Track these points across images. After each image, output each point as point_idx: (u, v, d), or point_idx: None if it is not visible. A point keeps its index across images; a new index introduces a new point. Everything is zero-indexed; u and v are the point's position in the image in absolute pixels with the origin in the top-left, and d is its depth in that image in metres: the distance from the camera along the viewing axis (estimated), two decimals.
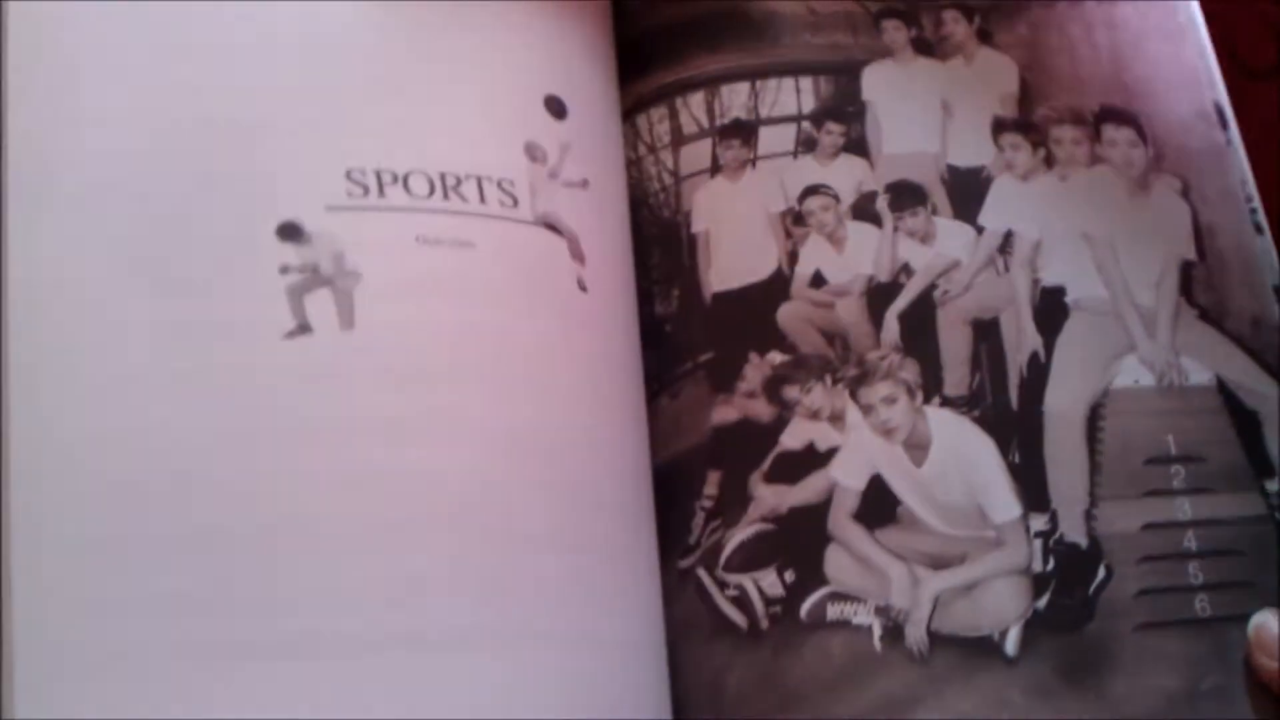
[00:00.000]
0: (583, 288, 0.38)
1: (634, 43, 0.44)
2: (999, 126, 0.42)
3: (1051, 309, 0.39)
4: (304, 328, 0.33)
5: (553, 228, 0.38)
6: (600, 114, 0.42)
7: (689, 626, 0.37)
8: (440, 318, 0.35)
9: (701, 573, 0.38)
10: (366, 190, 0.35)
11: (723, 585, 0.38)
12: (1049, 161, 0.41)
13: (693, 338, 0.41)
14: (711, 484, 0.39)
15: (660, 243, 0.43)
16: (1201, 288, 0.39)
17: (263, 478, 0.32)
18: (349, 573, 0.32)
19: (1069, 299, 0.39)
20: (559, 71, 0.40)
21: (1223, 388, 0.38)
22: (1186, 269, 0.39)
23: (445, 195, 0.36)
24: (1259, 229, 0.41)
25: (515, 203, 0.37)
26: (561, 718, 0.33)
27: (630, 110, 0.44)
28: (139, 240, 0.33)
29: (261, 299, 0.33)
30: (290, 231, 0.34)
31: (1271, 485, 0.37)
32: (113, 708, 0.29)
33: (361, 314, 0.34)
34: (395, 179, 0.36)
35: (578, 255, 0.39)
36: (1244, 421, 0.37)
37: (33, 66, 0.34)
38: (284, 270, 0.34)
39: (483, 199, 0.37)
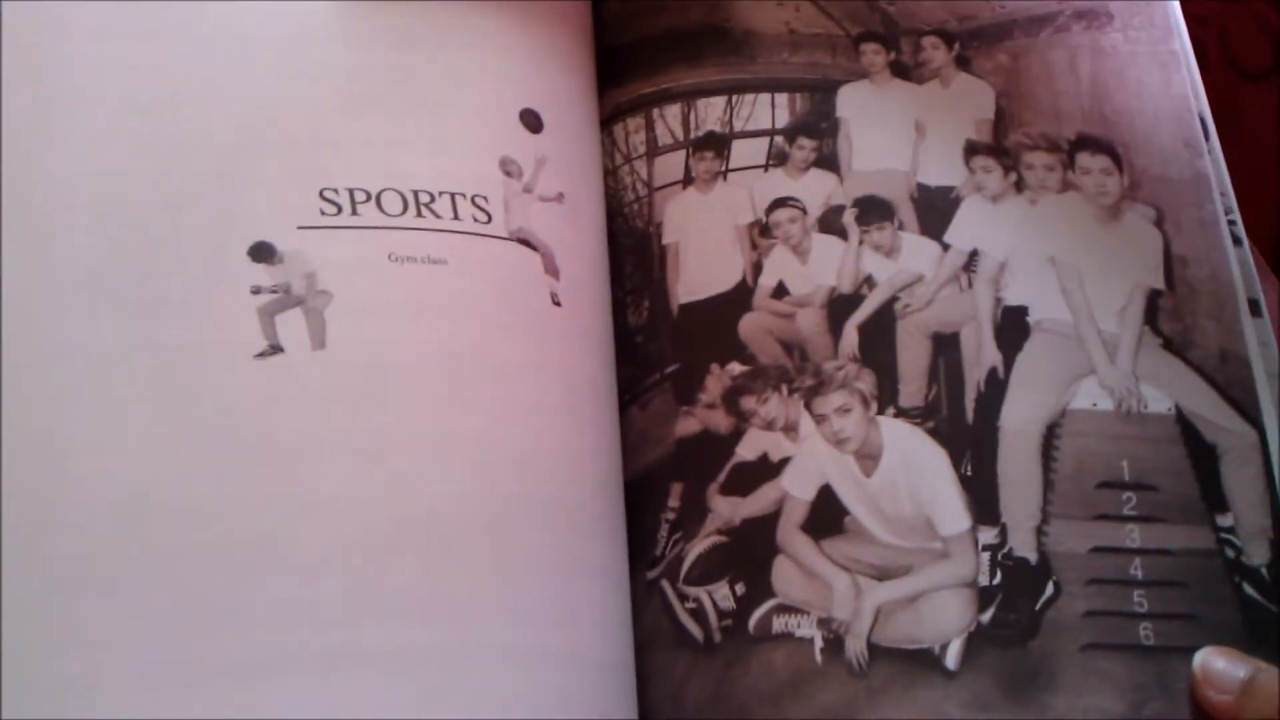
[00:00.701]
0: (557, 302, 0.38)
1: (614, 52, 0.45)
2: (971, 150, 0.42)
3: (1013, 327, 0.39)
4: (275, 348, 0.33)
5: (527, 243, 0.38)
6: (578, 125, 0.42)
7: (654, 638, 0.37)
8: (412, 336, 0.35)
9: (665, 585, 0.37)
10: (339, 209, 0.35)
11: (683, 598, 0.37)
12: (1019, 186, 0.41)
13: (661, 349, 0.41)
14: (675, 496, 0.39)
15: (633, 253, 0.43)
16: (1168, 317, 0.39)
17: (232, 498, 0.32)
18: (318, 591, 0.31)
19: (1031, 319, 0.39)
20: (536, 85, 0.41)
21: (1181, 418, 0.37)
22: (1153, 298, 0.39)
23: (419, 213, 0.36)
24: (1237, 241, 0.40)
25: (489, 219, 0.37)
26: None
27: (608, 119, 0.44)
28: (110, 260, 0.33)
29: (233, 320, 0.33)
30: (262, 252, 0.34)
31: (1224, 520, 0.36)
32: None
33: (333, 334, 0.34)
34: (368, 197, 0.36)
35: (552, 270, 0.38)
36: (1200, 454, 0.37)
37: (5, 88, 0.34)
38: (256, 291, 0.34)
39: (456, 215, 0.37)
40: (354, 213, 0.35)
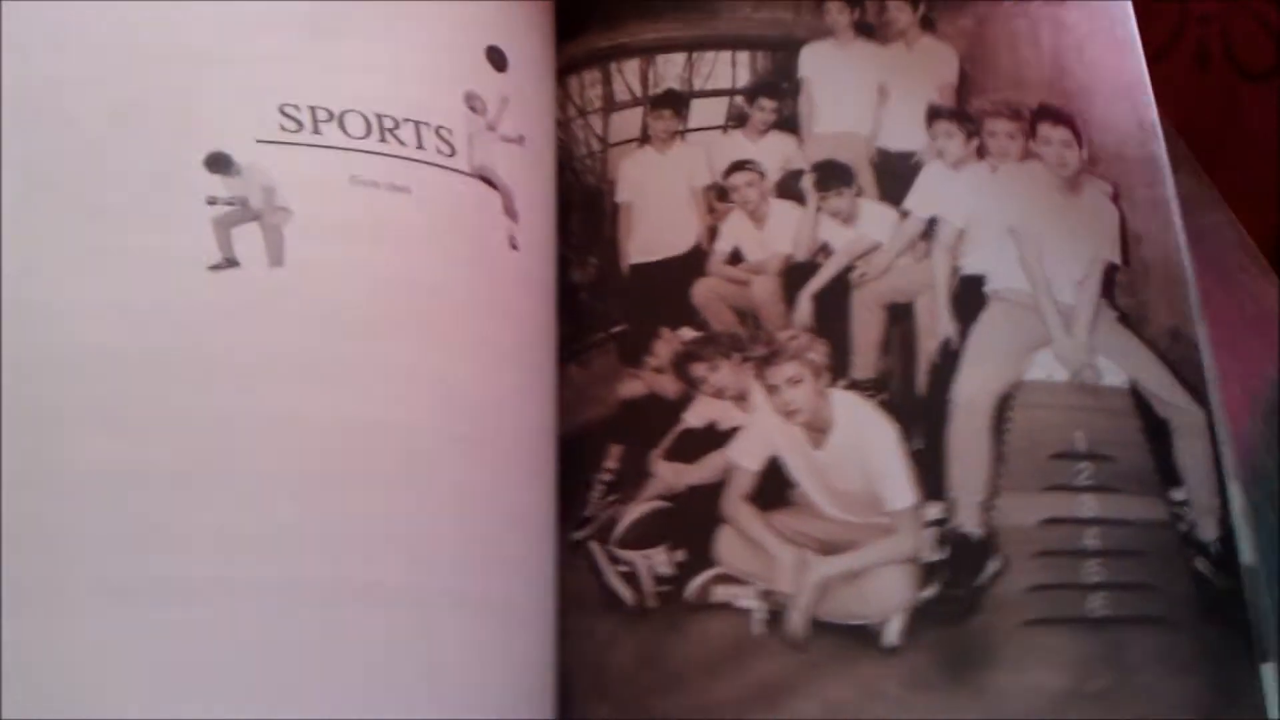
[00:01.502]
0: (514, 245, 0.37)
1: (572, 3, 0.44)
2: (934, 114, 0.41)
3: (969, 297, 0.38)
4: (230, 261, 0.32)
5: (488, 181, 0.37)
6: (539, 71, 0.41)
7: (577, 600, 0.36)
8: (370, 261, 0.34)
9: (594, 546, 0.37)
10: (300, 125, 0.34)
11: (614, 560, 0.37)
12: (981, 152, 0.40)
13: (607, 308, 0.40)
14: (613, 458, 0.38)
15: (581, 209, 0.42)
16: (1123, 292, 0.38)
17: (181, 413, 0.31)
18: (260, 516, 0.31)
19: (988, 288, 0.38)
20: (501, 23, 0.40)
21: (1135, 392, 0.37)
22: (1110, 272, 0.39)
23: (382, 137, 0.35)
24: None
25: (452, 151, 0.36)
26: (449, 677, 0.32)
27: (563, 71, 0.43)
28: (55, 165, 0.32)
29: (186, 230, 0.32)
30: (219, 162, 0.33)
31: (1177, 495, 0.36)
32: (23, 644, 0.29)
33: (291, 251, 0.33)
34: (330, 116, 0.35)
35: (511, 211, 0.38)
36: (1154, 429, 0.36)
37: None
38: (211, 202, 0.33)
39: (420, 144, 0.36)
40: (315, 131, 0.34)
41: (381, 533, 0.32)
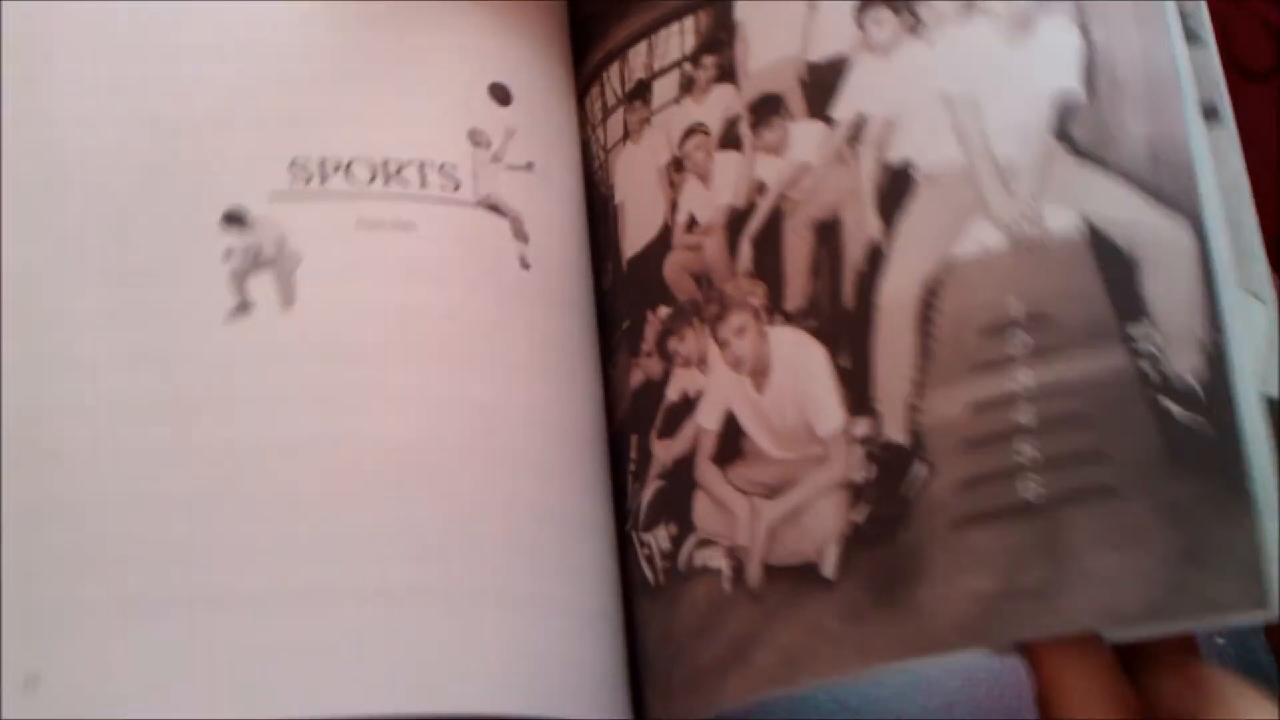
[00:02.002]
0: (525, 265, 0.39)
1: (579, 26, 0.46)
2: (864, 4, 0.38)
3: (896, 190, 0.35)
4: (244, 306, 0.35)
5: (495, 208, 0.40)
6: (550, 98, 0.44)
7: (634, 588, 0.38)
8: (379, 294, 0.36)
9: (633, 534, 0.39)
10: (310, 178, 0.37)
11: (641, 544, 0.38)
12: (915, 29, 0.37)
13: (617, 307, 0.42)
14: (634, 448, 0.39)
15: (599, 218, 0.44)
16: (1082, 124, 0.33)
17: (203, 445, 0.33)
18: (289, 531, 0.33)
19: (916, 173, 0.35)
20: (506, 59, 0.42)
21: (1094, 232, 0.32)
22: (1067, 108, 0.34)
23: (387, 181, 0.38)
24: (1193, 37, 0.34)
25: (457, 186, 0.39)
26: (514, 678, 0.34)
27: (580, 92, 0.46)
28: (90, 232, 0.35)
29: (205, 283, 0.35)
30: (234, 219, 0.36)
31: (1137, 329, 0.30)
32: (55, 663, 0.31)
33: (302, 293, 0.35)
34: (338, 167, 0.37)
35: (520, 234, 0.40)
36: (1114, 266, 0.31)
37: (6, 78, 0.37)
38: (227, 255, 0.35)
39: (424, 183, 0.38)
40: (324, 181, 0.37)
41: (407, 538, 0.34)
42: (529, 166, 0.41)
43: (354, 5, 0.40)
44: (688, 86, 0.41)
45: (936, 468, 0.31)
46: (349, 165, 0.38)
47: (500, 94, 0.41)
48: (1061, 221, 0.32)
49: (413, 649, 0.33)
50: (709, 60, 0.41)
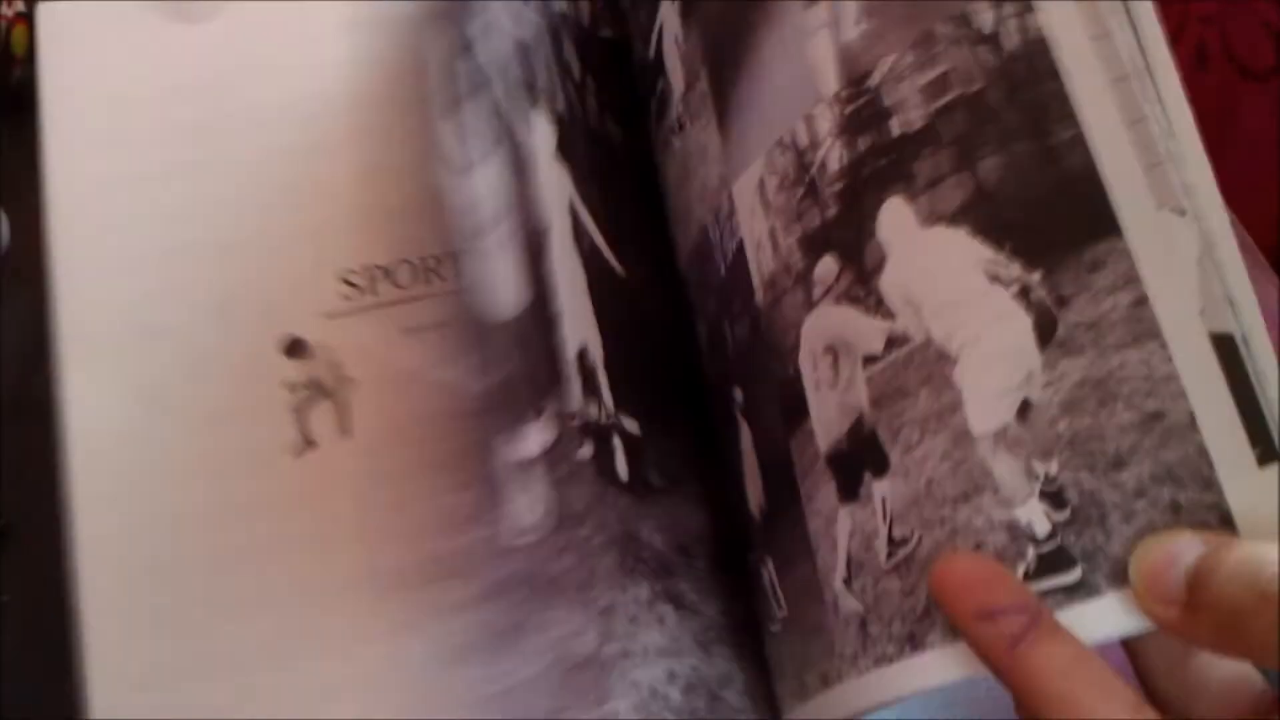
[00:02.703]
0: None
1: None
2: None
3: None
4: (310, 443, 0.34)
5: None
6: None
7: None
8: (425, 399, 0.35)
9: None
10: (360, 290, 0.35)
11: None
12: None
13: None
14: None
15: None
16: None
17: (276, 588, 0.33)
18: (357, 668, 0.33)
19: None
20: None
21: None
22: None
23: (426, 280, 0.36)
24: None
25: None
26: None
27: None
28: (171, 383, 0.34)
29: (271, 419, 0.34)
30: (296, 348, 0.35)
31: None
32: (188, 710, 0.32)
33: (356, 417, 0.35)
34: (385, 273, 0.36)
35: None
36: None
37: (69, 226, 0.35)
38: (291, 389, 0.34)
39: (459, 274, 0.37)
40: (373, 292, 0.36)
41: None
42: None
43: (384, 90, 0.38)
44: None
45: None
46: (395, 270, 0.36)
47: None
48: None
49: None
50: None
